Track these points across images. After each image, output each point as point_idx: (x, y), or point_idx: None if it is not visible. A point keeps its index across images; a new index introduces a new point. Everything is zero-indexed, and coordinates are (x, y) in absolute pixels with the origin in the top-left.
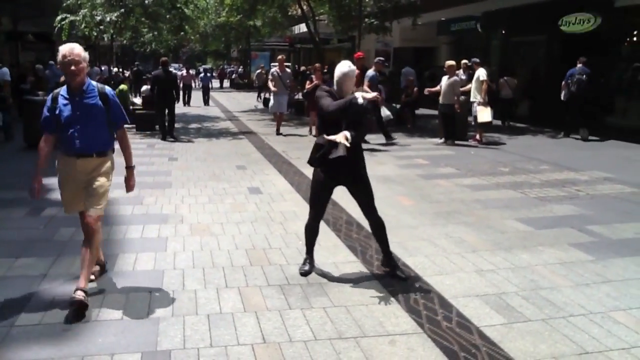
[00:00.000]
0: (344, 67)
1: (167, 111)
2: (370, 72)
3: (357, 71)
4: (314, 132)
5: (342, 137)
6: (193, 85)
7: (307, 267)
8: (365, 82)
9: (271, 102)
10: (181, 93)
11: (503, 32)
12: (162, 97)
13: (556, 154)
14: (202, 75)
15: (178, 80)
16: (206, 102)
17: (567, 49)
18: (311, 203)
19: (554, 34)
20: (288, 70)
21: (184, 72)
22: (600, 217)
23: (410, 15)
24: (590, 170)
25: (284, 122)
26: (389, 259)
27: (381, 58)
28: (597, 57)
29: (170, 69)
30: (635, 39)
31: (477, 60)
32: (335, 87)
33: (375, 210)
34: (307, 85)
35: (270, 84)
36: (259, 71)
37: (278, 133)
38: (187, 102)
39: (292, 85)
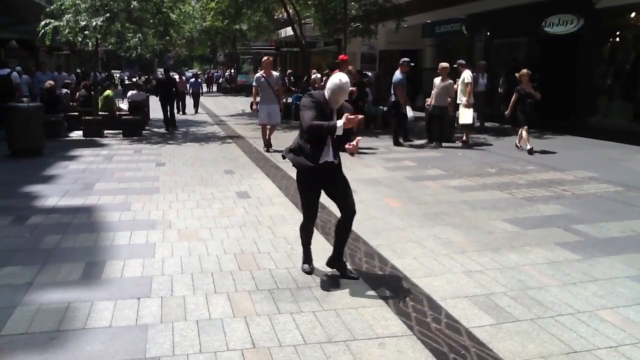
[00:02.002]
0: (337, 79)
1: (168, 107)
2: (397, 74)
3: (350, 86)
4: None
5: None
6: (186, 91)
7: (309, 267)
8: (393, 87)
9: (260, 114)
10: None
11: (487, 34)
12: (164, 96)
13: (541, 154)
14: (192, 80)
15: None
16: (196, 109)
17: (549, 51)
18: (302, 206)
19: (537, 36)
20: (275, 73)
21: (177, 77)
22: (586, 217)
23: (395, 18)
24: (575, 170)
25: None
26: (339, 258)
27: (406, 59)
28: (578, 58)
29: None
30: (617, 39)
31: (463, 62)
32: (326, 94)
33: (353, 202)
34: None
35: (254, 93)
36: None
37: (268, 149)
38: (182, 110)
39: (280, 90)
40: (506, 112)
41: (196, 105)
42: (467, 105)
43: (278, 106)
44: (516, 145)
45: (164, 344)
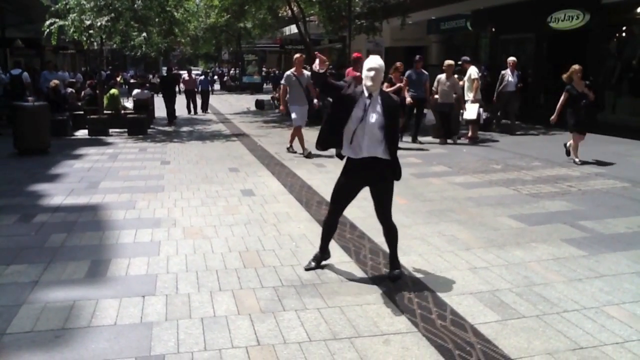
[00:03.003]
0: (374, 62)
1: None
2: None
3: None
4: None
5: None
6: (196, 90)
7: (313, 264)
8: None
9: (293, 114)
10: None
11: (493, 30)
12: (165, 91)
13: (548, 151)
14: (201, 78)
15: (180, 81)
16: (204, 109)
17: (556, 46)
18: (334, 198)
19: (543, 31)
20: (307, 72)
21: (185, 75)
22: (592, 213)
23: (400, 15)
24: (581, 166)
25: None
26: (392, 260)
27: (418, 55)
28: (585, 53)
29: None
30: (624, 34)
31: (468, 58)
32: (364, 84)
33: (389, 216)
34: (387, 88)
35: (282, 92)
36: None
37: (309, 154)
38: (194, 109)
39: (313, 89)
40: (552, 118)
41: (205, 104)
42: (473, 101)
43: (307, 107)
44: (566, 153)
45: (169, 341)
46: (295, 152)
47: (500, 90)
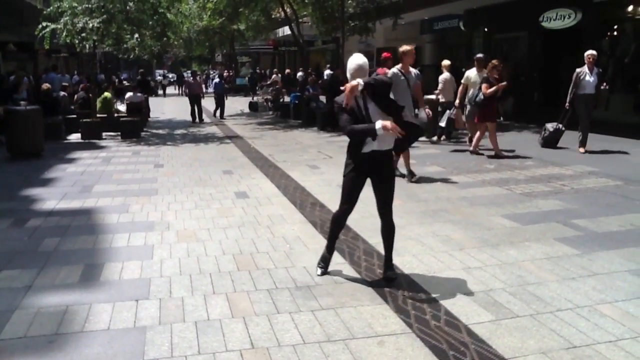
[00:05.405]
0: (358, 59)
1: None
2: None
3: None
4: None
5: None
6: (202, 94)
7: (323, 269)
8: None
9: None
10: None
11: (485, 29)
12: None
13: (540, 150)
14: (216, 81)
15: (183, 87)
16: (222, 115)
17: (548, 45)
18: (344, 196)
19: (536, 30)
20: (414, 70)
21: (190, 78)
22: (585, 211)
23: (393, 15)
24: (574, 164)
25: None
26: (386, 261)
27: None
28: (577, 51)
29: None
30: (615, 32)
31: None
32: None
33: (390, 212)
34: (487, 90)
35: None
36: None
37: (412, 177)
38: (198, 118)
39: (419, 92)
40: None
41: (221, 109)
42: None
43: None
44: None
45: (163, 345)
46: (403, 176)
47: (576, 93)
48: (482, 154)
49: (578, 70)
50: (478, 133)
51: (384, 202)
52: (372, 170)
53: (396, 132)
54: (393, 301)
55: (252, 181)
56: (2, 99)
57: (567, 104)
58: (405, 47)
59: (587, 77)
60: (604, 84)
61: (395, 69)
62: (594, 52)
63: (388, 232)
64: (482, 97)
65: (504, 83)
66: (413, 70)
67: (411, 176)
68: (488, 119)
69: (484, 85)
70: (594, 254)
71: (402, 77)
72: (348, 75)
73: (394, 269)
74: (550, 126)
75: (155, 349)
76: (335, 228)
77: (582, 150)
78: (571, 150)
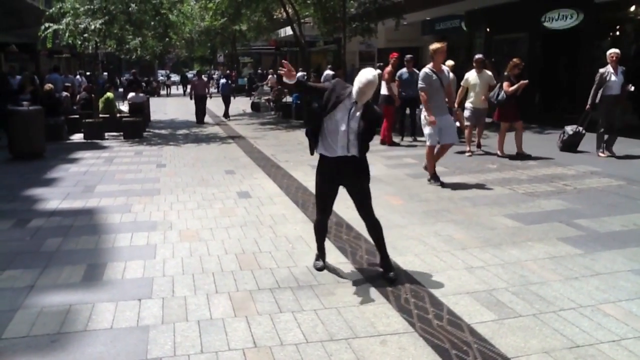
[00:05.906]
0: (368, 74)
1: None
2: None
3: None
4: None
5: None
6: (207, 95)
7: (321, 264)
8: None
9: (427, 129)
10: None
11: (487, 30)
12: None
13: (543, 150)
14: (222, 82)
15: (189, 88)
16: (226, 115)
17: (549, 45)
18: (318, 202)
19: (537, 31)
20: (446, 67)
21: (195, 78)
22: (587, 211)
23: (394, 16)
24: (577, 164)
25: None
26: (383, 260)
27: (409, 55)
28: (578, 52)
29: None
30: (617, 33)
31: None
32: (355, 94)
33: (370, 211)
34: (508, 88)
35: (424, 99)
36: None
37: (437, 180)
38: (200, 118)
39: (450, 92)
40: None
41: (226, 111)
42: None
43: (451, 116)
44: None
45: (165, 344)
46: (436, 183)
47: (602, 95)
48: (506, 156)
49: (602, 70)
50: (498, 136)
51: (360, 204)
52: (339, 177)
53: (289, 71)
54: (395, 300)
55: (255, 181)
56: (3, 99)
57: (588, 106)
58: (435, 45)
59: (613, 77)
60: (630, 85)
61: (426, 69)
62: (617, 50)
63: (374, 230)
64: (504, 95)
65: (526, 81)
66: (445, 68)
67: (436, 180)
68: (512, 119)
69: (505, 84)
70: (596, 254)
71: (435, 77)
72: (356, 87)
73: (392, 269)
74: (569, 129)
75: (158, 348)
76: (318, 236)
77: (603, 155)
78: (591, 155)
